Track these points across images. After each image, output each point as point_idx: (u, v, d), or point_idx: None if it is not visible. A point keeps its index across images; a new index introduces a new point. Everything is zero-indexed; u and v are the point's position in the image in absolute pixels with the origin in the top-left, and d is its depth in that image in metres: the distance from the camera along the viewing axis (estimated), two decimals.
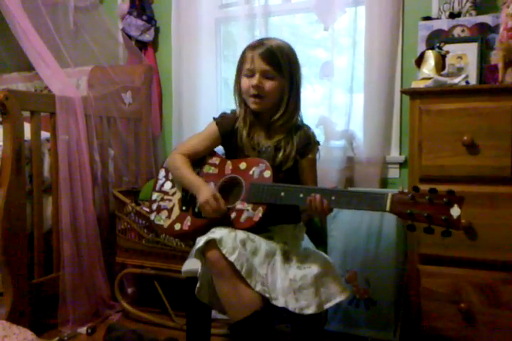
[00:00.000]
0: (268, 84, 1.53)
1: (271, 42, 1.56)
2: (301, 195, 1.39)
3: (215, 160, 1.62)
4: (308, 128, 1.64)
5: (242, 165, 1.54)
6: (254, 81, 1.53)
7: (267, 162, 1.50)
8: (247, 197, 1.48)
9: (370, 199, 1.30)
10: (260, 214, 1.44)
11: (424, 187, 1.28)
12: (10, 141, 1.89)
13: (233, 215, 1.49)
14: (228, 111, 1.68)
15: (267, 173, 1.48)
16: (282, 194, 1.42)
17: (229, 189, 1.55)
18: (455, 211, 1.21)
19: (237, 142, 1.61)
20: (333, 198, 1.35)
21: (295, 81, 1.57)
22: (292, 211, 1.56)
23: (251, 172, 1.50)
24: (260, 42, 1.56)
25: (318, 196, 1.35)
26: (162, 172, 1.71)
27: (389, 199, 1.27)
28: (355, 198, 1.33)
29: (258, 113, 1.61)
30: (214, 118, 1.67)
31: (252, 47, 1.56)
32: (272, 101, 1.57)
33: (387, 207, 1.27)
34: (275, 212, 1.49)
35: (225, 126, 1.63)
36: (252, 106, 1.57)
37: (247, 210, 1.46)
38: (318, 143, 1.65)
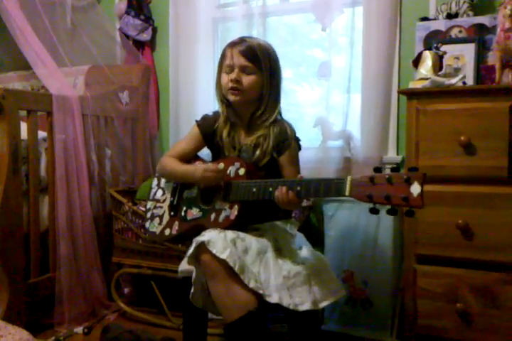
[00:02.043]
0: (246, 79, 1.55)
1: (252, 40, 1.59)
2: (271, 189, 1.39)
3: (198, 163, 1.67)
4: (287, 124, 1.63)
5: (220, 166, 1.55)
6: (233, 75, 1.55)
7: (241, 160, 1.53)
8: (224, 197, 1.49)
9: (330, 185, 1.28)
10: (236, 212, 1.46)
11: None
12: (6, 140, 1.89)
13: (213, 216, 1.51)
14: (210, 113, 1.71)
15: (241, 171, 1.50)
16: (254, 190, 1.43)
17: (211, 190, 1.57)
18: (415, 188, 1.14)
19: (218, 142, 1.64)
20: (298, 188, 1.35)
21: (276, 78, 1.59)
22: (280, 207, 1.56)
23: (228, 172, 1.53)
24: (241, 40, 1.59)
25: (284, 188, 1.35)
26: (155, 181, 1.77)
27: (348, 183, 1.23)
28: (317, 186, 1.31)
29: (238, 110, 1.63)
30: (196, 121, 1.71)
31: (232, 44, 1.59)
32: (251, 96, 1.58)
33: (347, 192, 1.23)
34: (262, 209, 1.50)
35: (206, 127, 1.67)
36: (231, 97, 1.58)
37: (225, 209, 1.49)
38: (297, 139, 1.64)
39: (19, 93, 2.11)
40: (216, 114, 1.69)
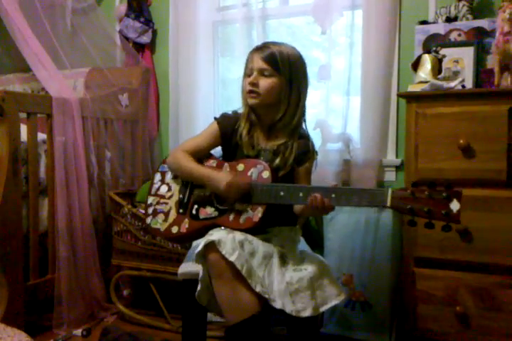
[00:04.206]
0: (264, 81, 1.55)
1: (275, 46, 1.58)
2: (301, 194, 1.40)
3: (212, 162, 1.63)
4: (310, 139, 1.66)
5: (240, 167, 1.54)
6: (251, 78, 1.56)
7: (265, 163, 1.51)
8: (244, 198, 1.48)
9: (370, 195, 1.32)
10: (260, 215, 1.44)
11: None
12: (6, 142, 1.89)
13: (232, 216, 1.49)
14: (230, 112, 1.69)
15: (266, 174, 1.48)
16: (282, 193, 1.42)
17: None
18: (454, 205, 1.23)
19: (237, 141, 1.62)
20: (333, 196, 1.36)
21: (296, 83, 1.58)
22: (289, 213, 1.56)
23: (249, 174, 1.51)
24: (264, 45, 1.59)
25: (318, 195, 1.36)
26: (158, 177, 1.71)
27: (389, 194, 1.29)
28: (356, 195, 1.34)
29: (259, 114, 1.62)
30: (215, 118, 1.69)
31: (255, 49, 1.60)
32: (269, 99, 1.57)
33: (388, 203, 1.28)
34: (273, 213, 1.49)
35: (226, 125, 1.65)
36: (249, 101, 1.59)
37: (246, 211, 1.47)
38: (316, 153, 1.66)
39: (19, 95, 2.11)
40: (236, 114, 1.67)
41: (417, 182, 1.29)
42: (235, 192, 1.48)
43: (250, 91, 1.57)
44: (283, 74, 1.55)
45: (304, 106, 1.63)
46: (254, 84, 1.55)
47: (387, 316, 1.99)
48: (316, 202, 1.36)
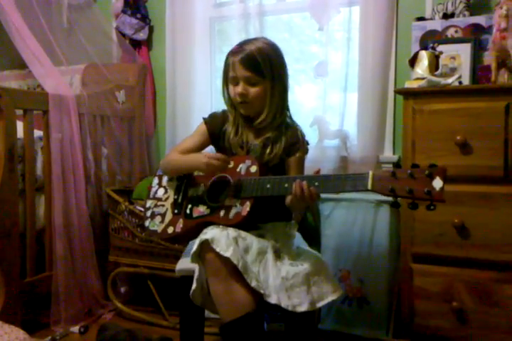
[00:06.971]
0: (252, 91, 1.55)
1: (251, 46, 1.55)
2: (286, 185, 1.40)
3: None
4: (299, 128, 1.66)
5: (230, 164, 1.55)
6: (239, 89, 1.55)
7: (252, 157, 1.53)
8: (234, 194, 1.49)
9: (352, 180, 1.30)
10: (248, 209, 1.45)
11: None
12: (2, 139, 1.88)
13: (222, 213, 1.50)
14: (219, 112, 1.72)
15: (253, 168, 1.50)
16: (268, 186, 1.43)
17: (218, 188, 1.57)
18: (437, 183, 1.18)
19: (225, 143, 1.64)
20: (316, 184, 1.36)
21: (279, 82, 1.58)
22: (283, 208, 1.57)
23: (238, 170, 1.53)
24: (240, 48, 1.56)
25: (304, 183, 1.36)
26: (155, 180, 1.75)
27: (370, 177, 1.26)
28: (338, 181, 1.33)
29: (248, 116, 1.63)
30: (203, 118, 1.71)
31: (232, 53, 1.58)
32: (259, 105, 1.59)
33: (369, 186, 1.26)
34: (266, 209, 1.50)
35: (214, 125, 1.68)
36: (242, 111, 1.61)
37: (235, 206, 1.48)
38: (307, 143, 1.66)
39: (15, 92, 2.11)
40: (225, 113, 1.69)
41: (399, 164, 1.28)
42: (214, 163, 1.51)
43: (242, 102, 1.57)
44: (268, 79, 1.55)
45: (286, 102, 1.64)
46: (244, 95, 1.55)
47: (384, 312, 2.00)
48: (300, 192, 1.35)
